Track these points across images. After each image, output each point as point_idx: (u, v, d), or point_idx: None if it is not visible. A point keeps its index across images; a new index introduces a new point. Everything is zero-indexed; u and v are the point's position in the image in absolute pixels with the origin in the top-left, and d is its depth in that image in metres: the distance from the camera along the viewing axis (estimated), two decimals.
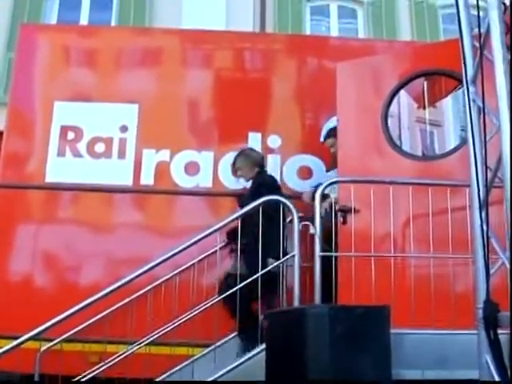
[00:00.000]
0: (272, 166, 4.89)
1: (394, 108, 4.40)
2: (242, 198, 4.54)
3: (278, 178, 4.84)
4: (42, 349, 4.38)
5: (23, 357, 4.12)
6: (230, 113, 5.07)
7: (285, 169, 4.94)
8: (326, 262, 3.84)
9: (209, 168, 4.94)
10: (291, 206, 4.07)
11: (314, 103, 5.11)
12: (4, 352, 3.95)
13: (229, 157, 4.88)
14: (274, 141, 5.00)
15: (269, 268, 4.02)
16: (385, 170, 4.19)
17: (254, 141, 4.96)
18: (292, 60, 5.32)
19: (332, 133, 4.60)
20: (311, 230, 4.02)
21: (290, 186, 4.86)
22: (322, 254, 3.81)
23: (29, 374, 4.33)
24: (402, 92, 4.44)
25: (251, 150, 4.72)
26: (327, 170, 4.80)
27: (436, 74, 4.41)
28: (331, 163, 4.65)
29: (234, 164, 4.65)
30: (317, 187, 4.09)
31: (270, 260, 4.06)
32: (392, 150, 4.25)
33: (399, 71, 4.42)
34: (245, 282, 3.97)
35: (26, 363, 4.21)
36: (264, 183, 4.44)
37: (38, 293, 4.72)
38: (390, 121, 4.34)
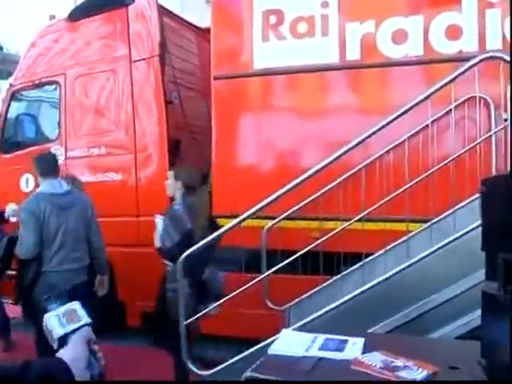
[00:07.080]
0: (491, 22, 4.31)
1: None
2: None
3: (499, 32, 4.26)
4: (267, 226, 4.72)
5: (249, 234, 4.50)
6: None
7: (506, 23, 4.28)
8: None
9: (418, 34, 4.52)
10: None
11: None
12: (231, 227, 4.35)
13: (440, 19, 4.44)
14: None
15: None
16: None
17: None
18: None
19: None
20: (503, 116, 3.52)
21: None
22: None
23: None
24: None
25: None
26: None
27: None
28: None
29: None
30: None
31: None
32: None
33: None
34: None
35: (251, 239, 4.59)
36: None
37: (260, 176, 5.01)
38: None
